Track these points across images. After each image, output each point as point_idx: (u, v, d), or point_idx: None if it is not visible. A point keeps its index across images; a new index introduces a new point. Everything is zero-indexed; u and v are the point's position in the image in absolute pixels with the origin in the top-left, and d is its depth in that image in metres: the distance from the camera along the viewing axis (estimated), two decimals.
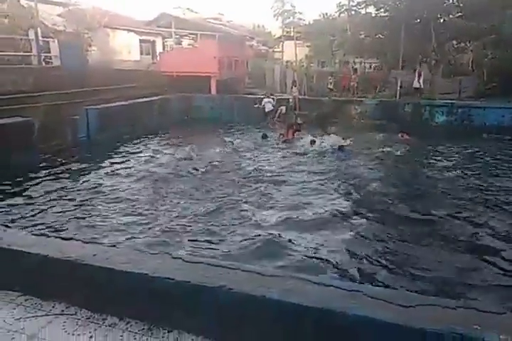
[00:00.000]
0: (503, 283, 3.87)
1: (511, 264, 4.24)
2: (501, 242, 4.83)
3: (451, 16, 22.44)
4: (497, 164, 9.03)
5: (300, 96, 15.65)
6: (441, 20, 22.20)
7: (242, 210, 5.93)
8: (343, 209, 6.16)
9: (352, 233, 5.24)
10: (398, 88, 17.43)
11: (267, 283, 2.56)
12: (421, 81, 15.71)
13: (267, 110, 14.52)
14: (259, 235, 4.95)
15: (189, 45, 22.55)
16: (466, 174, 8.12)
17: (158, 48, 25.21)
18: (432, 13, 20.83)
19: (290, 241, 4.91)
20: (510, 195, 6.81)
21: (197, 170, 8.33)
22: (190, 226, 5.29)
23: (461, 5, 22.39)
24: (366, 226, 5.51)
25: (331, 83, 16.69)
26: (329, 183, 7.49)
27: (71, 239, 3.13)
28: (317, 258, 4.47)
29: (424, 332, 2.13)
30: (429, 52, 21.71)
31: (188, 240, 4.87)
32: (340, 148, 10.41)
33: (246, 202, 6.34)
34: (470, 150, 10.45)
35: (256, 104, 14.49)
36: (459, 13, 22.40)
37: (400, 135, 11.67)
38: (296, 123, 13.12)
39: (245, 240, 4.90)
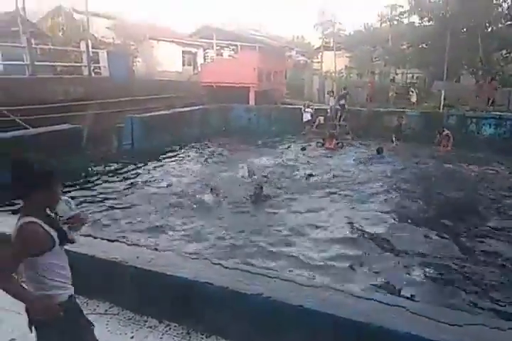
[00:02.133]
0: None
1: None
2: None
3: (500, 25, 21.60)
4: None
5: (338, 107, 15.50)
6: (489, 29, 21.42)
7: None
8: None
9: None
10: (442, 99, 16.88)
11: (305, 293, 2.54)
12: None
13: (305, 120, 14.51)
14: None
15: (229, 56, 23.01)
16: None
17: (200, 59, 25.92)
18: (479, 22, 20.15)
19: None
20: None
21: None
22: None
23: (511, 13, 21.52)
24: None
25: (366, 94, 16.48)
26: None
27: (116, 240, 3.24)
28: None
29: None
30: (476, 62, 20.96)
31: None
32: (379, 151, 11.10)
33: None
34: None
35: (304, 118, 14.63)
36: (509, 22, 21.51)
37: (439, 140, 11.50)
38: (336, 133, 13.11)
39: None
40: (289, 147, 12.91)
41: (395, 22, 30.54)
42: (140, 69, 19.02)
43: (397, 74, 25.94)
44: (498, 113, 14.24)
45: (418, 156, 11.18)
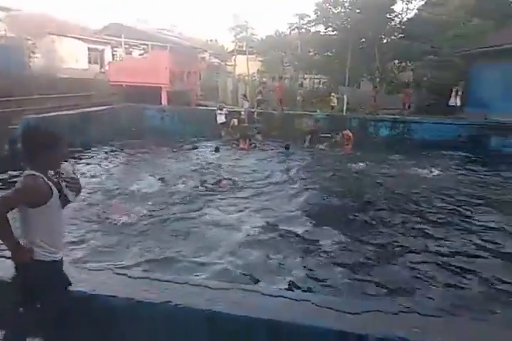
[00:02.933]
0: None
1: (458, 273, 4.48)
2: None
3: (393, 37, 24.01)
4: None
5: (252, 109, 15.86)
6: (385, 41, 23.70)
7: None
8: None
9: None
10: (345, 103, 18.22)
11: (215, 296, 2.52)
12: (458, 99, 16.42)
13: (219, 122, 14.55)
14: None
15: (139, 55, 22.17)
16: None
17: (108, 58, 24.60)
18: (376, 34, 22.18)
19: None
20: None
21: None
22: None
23: (403, 27, 24.04)
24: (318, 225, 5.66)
25: (260, 94, 17.02)
26: None
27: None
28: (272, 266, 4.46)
29: (368, 337, 2.19)
30: (374, 70, 23.02)
31: None
32: (287, 147, 12.02)
33: None
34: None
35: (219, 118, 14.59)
36: (401, 35, 24.02)
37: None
38: (249, 134, 13.38)
39: None
40: (202, 148, 12.82)
41: (303, 30, 32.18)
42: (39, 66, 17.40)
43: (305, 79, 27.34)
44: (392, 116, 15.81)
45: (325, 155, 11.97)
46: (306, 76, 28.64)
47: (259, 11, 70.52)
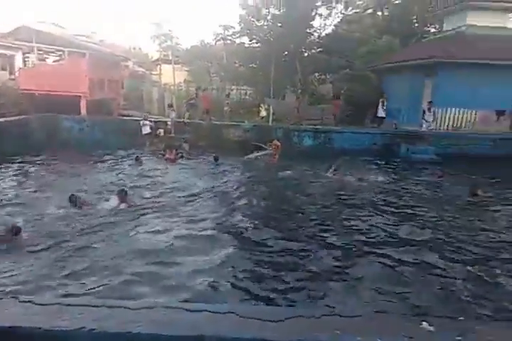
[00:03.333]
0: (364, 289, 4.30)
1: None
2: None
3: (313, 51, 25.38)
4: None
5: (179, 120, 15.64)
6: (306, 54, 24.94)
7: None
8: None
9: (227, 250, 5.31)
10: (271, 114, 18.75)
11: (135, 317, 2.39)
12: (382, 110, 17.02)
13: (144, 133, 14.10)
14: None
15: (54, 62, 20.80)
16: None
17: (19, 64, 22.70)
18: (297, 48, 23.26)
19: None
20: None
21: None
22: None
23: (321, 41, 25.53)
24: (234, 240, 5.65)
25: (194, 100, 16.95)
26: None
27: None
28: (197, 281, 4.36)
29: None
30: (296, 82, 24.07)
31: None
32: (216, 158, 11.92)
33: None
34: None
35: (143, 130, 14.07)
36: (320, 49, 25.48)
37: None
38: (176, 145, 13.15)
39: None
40: (124, 161, 12.25)
41: (229, 41, 32.70)
42: None
43: (232, 90, 27.69)
44: (314, 126, 16.60)
45: (253, 165, 12.15)
46: (233, 87, 29.04)
47: (183, 20, 70.28)
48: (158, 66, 33.79)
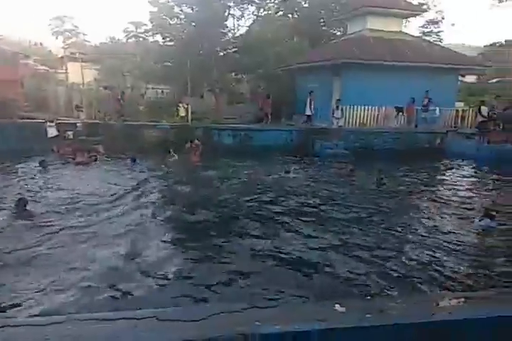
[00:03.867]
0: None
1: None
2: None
3: (228, 51, 25.54)
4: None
5: (90, 121, 14.72)
6: (221, 54, 25.01)
7: None
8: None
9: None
10: (189, 113, 18.50)
11: (44, 334, 2.21)
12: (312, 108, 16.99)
13: (50, 136, 13.00)
14: None
15: None
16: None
17: None
18: (212, 47, 23.22)
19: None
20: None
21: None
22: None
23: (235, 42, 25.79)
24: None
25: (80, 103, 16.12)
26: None
27: None
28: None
29: (216, 338, 2.23)
30: (213, 81, 24.04)
31: None
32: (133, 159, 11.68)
33: None
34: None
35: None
36: (235, 49, 25.74)
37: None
38: (88, 147, 12.35)
39: None
40: (27, 167, 11.07)
41: (141, 39, 31.57)
42: None
43: (147, 88, 26.80)
44: (234, 125, 16.78)
45: (174, 165, 11.90)
46: (148, 86, 28.07)
47: (90, 15, 66.08)
48: (64, 64, 31.40)
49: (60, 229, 5.92)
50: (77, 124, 14.26)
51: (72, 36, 33.29)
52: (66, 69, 30.99)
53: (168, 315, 2.52)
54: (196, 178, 10.42)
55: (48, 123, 13.19)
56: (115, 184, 9.08)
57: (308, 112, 16.61)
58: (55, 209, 6.98)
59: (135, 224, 6.27)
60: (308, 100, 16.33)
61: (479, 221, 6.31)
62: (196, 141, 12.60)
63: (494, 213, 6.39)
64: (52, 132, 13.05)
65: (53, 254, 5.01)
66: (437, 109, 17.23)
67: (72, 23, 33.33)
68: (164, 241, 5.61)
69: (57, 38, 33.68)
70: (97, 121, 15.01)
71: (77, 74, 29.14)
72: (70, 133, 13.48)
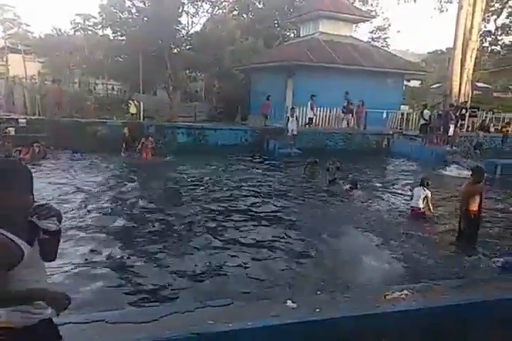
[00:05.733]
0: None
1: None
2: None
3: (183, 48, 25.18)
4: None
5: (33, 117, 13.87)
6: (175, 51, 24.60)
7: None
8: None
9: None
10: (141, 110, 18.04)
11: None
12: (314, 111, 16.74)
13: None
14: None
15: None
16: None
17: None
18: (165, 43, 22.76)
19: None
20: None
21: None
22: None
23: (189, 39, 25.48)
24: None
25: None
26: None
27: None
28: None
29: (169, 339, 2.23)
30: (167, 78, 23.61)
31: None
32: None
33: None
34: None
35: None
36: (189, 46, 25.42)
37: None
38: (32, 144, 11.62)
39: None
40: None
41: (90, 32, 30.26)
42: None
43: (96, 84, 25.77)
44: (188, 123, 16.57)
45: (126, 163, 11.56)
46: (98, 81, 26.99)
47: (33, 5, 62.16)
48: (4, 56, 29.36)
49: None
50: (19, 120, 13.39)
51: (14, 26, 31.19)
52: (6, 61, 28.98)
53: (117, 317, 2.48)
54: (145, 175, 10.17)
55: None
56: (49, 183, 8.57)
57: (310, 115, 16.70)
58: None
59: None
60: (309, 104, 16.44)
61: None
62: (150, 138, 12.27)
63: (429, 182, 7.13)
64: None
65: None
66: (384, 111, 18.10)
67: (13, 12, 31.22)
68: None
69: None
70: (42, 117, 14.18)
71: (19, 66, 27.38)
72: (11, 129, 12.63)
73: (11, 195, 1.51)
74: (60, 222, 1.64)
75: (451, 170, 12.00)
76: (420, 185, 7.10)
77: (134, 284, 4.19)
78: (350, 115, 17.20)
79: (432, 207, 7.09)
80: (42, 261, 1.68)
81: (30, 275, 1.59)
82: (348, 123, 17.35)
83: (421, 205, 6.93)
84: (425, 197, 6.93)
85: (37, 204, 1.63)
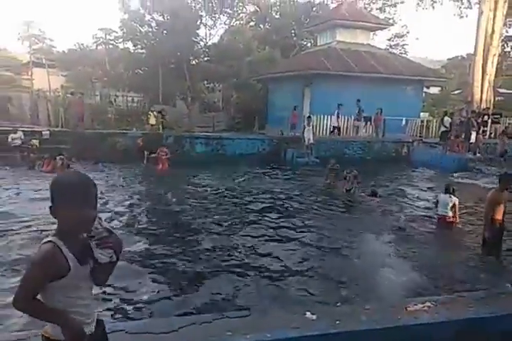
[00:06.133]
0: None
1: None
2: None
3: (201, 60, 25.64)
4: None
5: (57, 129, 14.30)
6: (194, 62, 25.07)
7: None
8: None
9: None
10: (161, 120, 18.34)
11: None
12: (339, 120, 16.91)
13: (13, 144, 12.50)
14: None
15: None
16: None
17: None
18: (184, 55, 23.24)
19: None
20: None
21: None
22: None
23: (207, 50, 25.93)
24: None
25: None
26: None
27: None
28: None
29: None
30: (185, 89, 24.02)
31: None
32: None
33: None
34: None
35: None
36: (207, 58, 25.85)
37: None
38: (54, 155, 11.92)
39: None
40: None
41: (111, 46, 31.14)
42: None
43: (117, 96, 26.39)
44: (206, 133, 16.75)
45: (142, 174, 11.73)
46: (118, 93, 27.67)
47: (57, 21, 64.52)
48: (29, 70, 30.49)
49: None
50: (43, 132, 13.82)
51: (39, 42, 32.45)
52: (31, 75, 30.08)
53: (138, 328, 2.49)
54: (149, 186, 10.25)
55: (12, 132, 12.71)
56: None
57: (335, 124, 16.72)
58: None
59: None
60: (336, 112, 16.48)
61: None
62: (164, 149, 12.35)
63: (454, 188, 6.99)
64: (15, 141, 12.57)
65: None
66: (403, 119, 17.87)
67: (39, 28, 32.53)
68: None
69: (22, 43, 32.75)
70: (65, 129, 14.59)
71: (43, 80, 28.37)
72: (35, 141, 13.03)
73: (84, 209, 1.50)
74: (118, 254, 1.60)
75: (474, 178, 11.71)
76: (446, 193, 6.93)
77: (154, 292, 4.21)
78: (364, 123, 17.02)
79: (458, 215, 6.93)
80: (91, 282, 1.65)
81: (74, 292, 1.58)
82: (366, 131, 17.19)
83: (450, 213, 6.77)
84: (453, 204, 6.79)
85: (105, 228, 1.58)
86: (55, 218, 1.52)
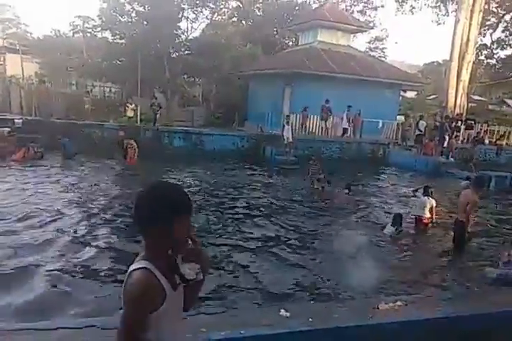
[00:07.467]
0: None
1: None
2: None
3: (181, 53, 25.24)
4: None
5: (29, 118, 13.82)
6: (174, 55, 24.65)
7: None
8: None
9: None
10: (139, 114, 18.01)
11: None
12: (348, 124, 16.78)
13: None
14: None
15: None
16: None
17: None
18: (164, 48, 22.82)
19: None
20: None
21: None
22: None
23: (188, 44, 25.56)
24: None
25: None
26: None
27: None
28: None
29: None
30: (165, 82, 23.61)
31: None
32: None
33: None
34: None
35: None
36: (188, 51, 25.48)
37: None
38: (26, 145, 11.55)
39: None
40: None
41: (89, 34, 30.23)
42: None
43: (94, 86, 25.71)
44: (185, 128, 16.57)
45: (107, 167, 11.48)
46: (95, 83, 26.91)
47: (33, 6, 62.11)
48: (2, 56, 29.29)
49: None
50: (16, 120, 13.33)
51: (13, 26, 31.19)
52: (4, 61, 28.89)
53: (110, 323, 2.45)
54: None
55: None
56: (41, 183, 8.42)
57: (345, 125, 16.79)
58: None
59: None
60: (345, 114, 16.54)
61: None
62: (131, 141, 11.94)
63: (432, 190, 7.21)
64: None
65: None
66: (380, 121, 18.21)
67: (13, 12, 31.25)
68: None
69: None
70: (38, 118, 14.11)
71: (17, 66, 27.31)
72: (5, 129, 12.54)
73: (181, 224, 1.32)
74: (206, 269, 1.43)
75: (446, 181, 12.09)
76: (424, 194, 7.11)
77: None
78: (325, 122, 17.16)
79: (434, 216, 7.13)
80: (181, 310, 1.47)
81: (168, 325, 1.37)
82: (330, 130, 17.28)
83: (427, 214, 6.96)
84: (431, 206, 6.96)
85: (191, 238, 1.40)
86: (146, 238, 1.33)
